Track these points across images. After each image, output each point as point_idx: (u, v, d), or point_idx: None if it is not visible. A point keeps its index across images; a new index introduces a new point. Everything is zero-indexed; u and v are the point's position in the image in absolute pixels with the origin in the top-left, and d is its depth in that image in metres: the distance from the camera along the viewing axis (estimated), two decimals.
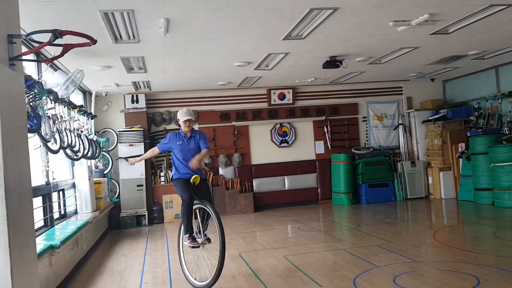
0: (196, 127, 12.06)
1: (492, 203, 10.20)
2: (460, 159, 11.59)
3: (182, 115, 5.78)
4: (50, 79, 6.98)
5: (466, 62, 10.32)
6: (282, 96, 12.40)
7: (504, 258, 5.84)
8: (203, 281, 5.40)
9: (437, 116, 12.23)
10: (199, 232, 5.66)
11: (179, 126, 5.89)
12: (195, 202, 5.66)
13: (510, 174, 9.70)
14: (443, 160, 12.03)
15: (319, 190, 12.60)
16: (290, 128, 12.66)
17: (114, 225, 10.83)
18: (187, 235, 5.68)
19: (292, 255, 6.78)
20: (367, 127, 13.05)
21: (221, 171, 12.10)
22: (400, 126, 13.06)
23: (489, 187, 10.34)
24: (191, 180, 5.66)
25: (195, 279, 5.58)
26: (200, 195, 5.69)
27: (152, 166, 11.64)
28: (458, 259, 6.01)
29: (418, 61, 9.94)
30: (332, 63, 8.82)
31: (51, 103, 6.36)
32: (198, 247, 5.66)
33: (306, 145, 12.75)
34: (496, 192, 10.04)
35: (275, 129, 12.58)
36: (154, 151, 6.16)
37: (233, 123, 12.27)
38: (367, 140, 13.02)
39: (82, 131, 8.09)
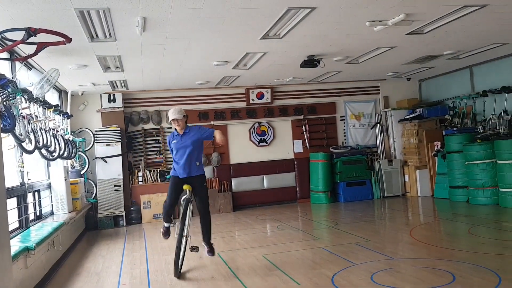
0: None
1: (467, 201, 10.41)
2: (436, 158, 11.79)
3: (169, 115, 6.00)
4: (25, 78, 6.84)
5: (442, 61, 10.50)
6: (260, 96, 12.42)
7: (479, 255, 5.96)
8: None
9: (413, 115, 12.42)
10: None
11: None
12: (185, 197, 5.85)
13: (484, 172, 9.91)
14: (419, 158, 12.23)
15: (297, 189, 12.66)
16: (269, 127, 12.68)
17: (91, 226, 10.68)
18: (164, 223, 6.19)
19: (271, 254, 6.80)
20: (344, 126, 13.17)
21: None
22: (377, 125, 13.23)
23: (464, 185, 10.55)
24: (184, 187, 5.84)
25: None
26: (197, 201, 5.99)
27: (129, 166, 11.52)
28: (434, 256, 6.12)
29: (395, 60, 10.07)
30: (310, 62, 8.87)
31: (26, 102, 6.24)
32: (165, 237, 6.25)
33: (285, 144, 12.80)
34: (471, 190, 10.24)
35: (254, 128, 12.59)
36: None
37: (212, 122, 12.23)
38: (345, 139, 13.14)
39: (57, 131, 7.96)
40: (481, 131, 10.61)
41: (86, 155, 10.65)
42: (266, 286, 5.24)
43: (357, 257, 6.18)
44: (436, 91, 12.86)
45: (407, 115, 12.62)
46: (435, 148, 11.79)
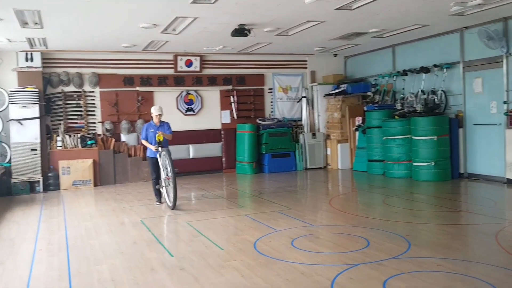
0: (97, 90, 11.55)
1: (383, 174, 11.02)
2: (357, 132, 12.32)
3: (157, 111, 8.18)
4: None
5: (367, 39, 10.88)
6: (189, 63, 12.19)
7: (391, 222, 6.37)
8: None
9: (337, 90, 12.82)
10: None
11: None
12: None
13: (400, 147, 10.51)
14: (341, 132, 12.70)
15: (223, 159, 12.71)
16: (197, 96, 12.54)
17: (4, 191, 10.07)
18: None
19: (195, 221, 6.82)
20: (272, 99, 13.33)
21: (123, 137, 11.72)
22: (303, 99, 13.52)
23: (381, 159, 11.13)
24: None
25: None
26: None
27: (48, 130, 10.92)
28: (350, 223, 6.46)
29: (323, 35, 10.28)
30: (241, 31, 8.81)
31: None
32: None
33: (212, 114, 12.74)
34: (387, 163, 10.84)
35: (181, 96, 12.38)
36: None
37: (137, 88, 11.87)
38: (272, 111, 13.32)
39: None
40: (399, 108, 11.20)
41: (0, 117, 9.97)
42: (189, 251, 5.26)
43: (279, 224, 6.38)
44: (360, 68, 13.34)
45: (332, 90, 13.01)
46: (357, 123, 12.29)
